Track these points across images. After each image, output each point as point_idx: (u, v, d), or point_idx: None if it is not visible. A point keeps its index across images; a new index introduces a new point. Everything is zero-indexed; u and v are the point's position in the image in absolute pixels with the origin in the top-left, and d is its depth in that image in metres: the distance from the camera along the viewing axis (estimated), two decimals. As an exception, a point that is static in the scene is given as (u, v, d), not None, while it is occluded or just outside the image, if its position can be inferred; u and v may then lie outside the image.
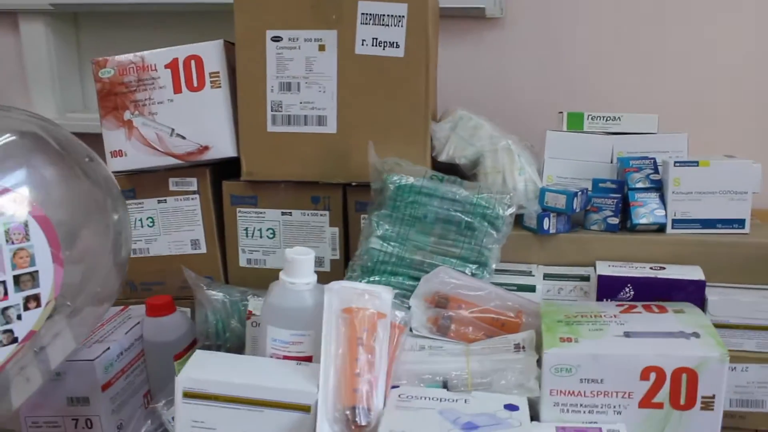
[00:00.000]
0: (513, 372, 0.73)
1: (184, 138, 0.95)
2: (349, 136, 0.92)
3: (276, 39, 0.91)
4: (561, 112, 1.04)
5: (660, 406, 0.69)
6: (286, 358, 0.73)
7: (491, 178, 0.94)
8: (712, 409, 0.68)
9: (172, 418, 0.87)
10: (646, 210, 0.92)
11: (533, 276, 0.90)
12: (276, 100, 0.93)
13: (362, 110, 0.91)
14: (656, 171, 0.94)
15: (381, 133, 0.91)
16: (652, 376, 0.68)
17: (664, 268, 0.87)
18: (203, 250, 1.01)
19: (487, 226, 0.85)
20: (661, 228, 0.92)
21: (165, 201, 1.00)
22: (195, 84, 0.94)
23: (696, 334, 0.71)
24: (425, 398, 0.71)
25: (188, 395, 0.67)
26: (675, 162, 0.91)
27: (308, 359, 0.74)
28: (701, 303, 0.83)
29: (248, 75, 0.93)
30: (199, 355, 0.72)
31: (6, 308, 0.68)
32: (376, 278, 0.86)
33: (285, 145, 0.94)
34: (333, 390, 0.67)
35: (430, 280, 0.83)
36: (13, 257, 0.68)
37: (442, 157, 0.96)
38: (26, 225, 0.69)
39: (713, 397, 0.68)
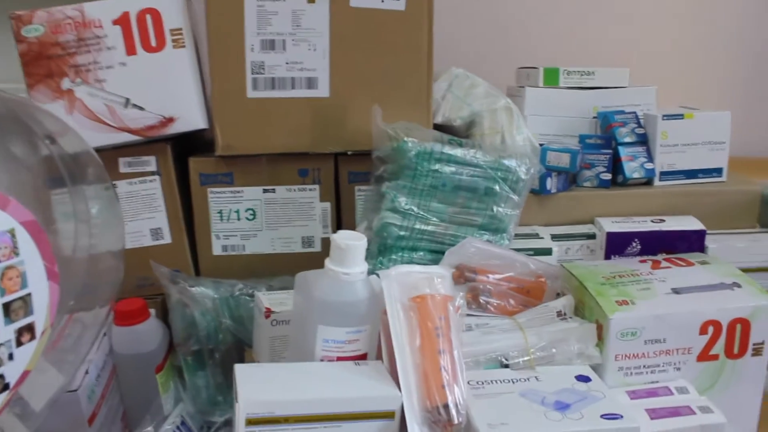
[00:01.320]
0: (572, 342, 0.70)
1: (142, 109, 0.79)
2: (344, 100, 0.82)
3: (256, -12, 0.77)
4: (534, 67, 1.01)
5: (716, 357, 0.71)
6: (339, 359, 0.64)
7: (489, 139, 0.90)
8: (761, 354, 0.71)
9: (166, 441, 0.75)
10: (637, 164, 0.93)
11: (542, 238, 0.87)
12: (257, 61, 0.79)
13: (358, 70, 0.81)
14: (639, 124, 0.96)
15: (379, 96, 0.81)
16: (710, 329, 0.70)
17: (663, 221, 0.89)
18: (167, 240, 0.86)
19: (508, 190, 0.80)
20: (648, 181, 0.94)
21: (115, 186, 0.83)
22: (153, 44, 0.78)
23: (737, 284, 0.73)
24: (495, 381, 0.66)
25: (252, 422, 0.56)
26: (663, 116, 0.93)
27: (363, 357, 0.66)
28: (702, 251, 0.87)
29: (222, 32, 0.78)
30: (242, 371, 0.60)
31: (-6, 348, 0.52)
32: (395, 256, 0.78)
33: (269, 113, 0.81)
34: (417, 389, 0.60)
35: (455, 253, 0.77)
36: (1, 279, 0.51)
37: (438, 119, 0.89)
38: (13, 235, 0.52)
39: (763, 342, 0.71)
